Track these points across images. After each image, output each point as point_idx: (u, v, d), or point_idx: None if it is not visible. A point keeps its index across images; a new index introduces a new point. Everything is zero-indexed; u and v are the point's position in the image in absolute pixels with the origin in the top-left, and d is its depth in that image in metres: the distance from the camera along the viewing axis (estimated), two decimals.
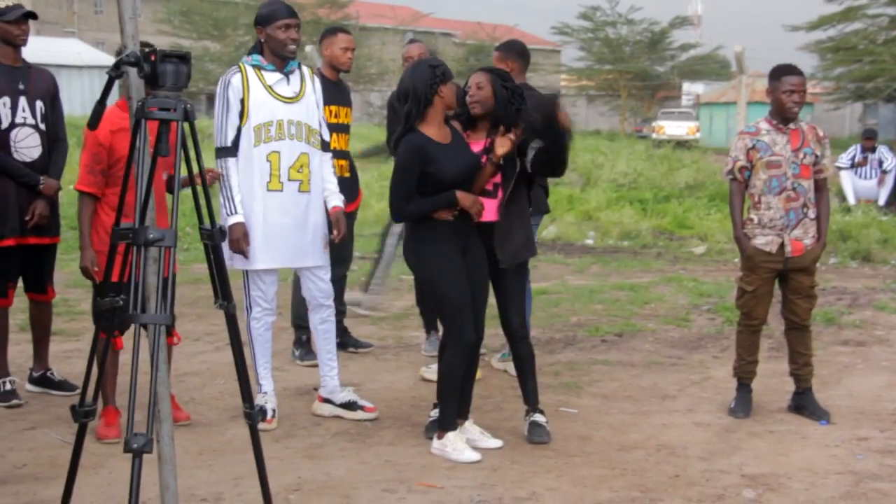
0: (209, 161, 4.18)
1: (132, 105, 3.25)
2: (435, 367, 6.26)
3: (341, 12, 42.03)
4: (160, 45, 3.28)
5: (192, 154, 3.24)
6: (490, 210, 4.93)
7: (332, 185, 5.42)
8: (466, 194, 4.81)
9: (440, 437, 4.88)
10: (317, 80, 5.44)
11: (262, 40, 5.21)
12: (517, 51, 6.27)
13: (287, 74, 5.24)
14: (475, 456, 4.79)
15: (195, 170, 3.25)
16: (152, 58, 3.09)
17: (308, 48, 13.06)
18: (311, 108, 5.32)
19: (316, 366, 6.48)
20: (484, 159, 4.89)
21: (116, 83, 3.39)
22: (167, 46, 3.32)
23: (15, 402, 5.54)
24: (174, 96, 3.12)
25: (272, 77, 5.20)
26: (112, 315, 3.27)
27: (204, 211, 3.34)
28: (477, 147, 4.98)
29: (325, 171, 5.40)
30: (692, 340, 7.49)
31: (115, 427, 5.00)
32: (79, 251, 5.09)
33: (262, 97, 5.15)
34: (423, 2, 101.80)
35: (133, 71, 3.20)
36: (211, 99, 49.57)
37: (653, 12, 46.83)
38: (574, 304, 8.76)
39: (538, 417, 5.14)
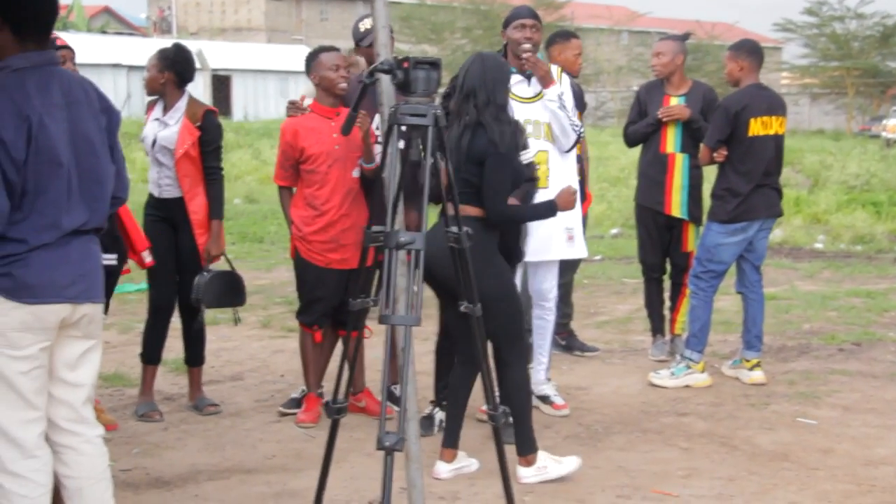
0: None
1: (384, 112, 3.35)
2: (664, 372, 6.19)
3: (557, 14, 41.94)
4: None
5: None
6: None
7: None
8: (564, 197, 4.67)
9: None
10: (566, 79, 5.45)
11: (505, 42, 5.31)
12: (747, 49, 6.15)
13: (529, 76, 5.27)
14: None
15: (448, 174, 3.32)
16: (405, 65, 3.18)
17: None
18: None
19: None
20: None
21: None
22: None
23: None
24: (426, 102, 3.19)
25: (512, 79, 5.23)
26: (363, 315, 3.39)
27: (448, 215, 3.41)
28: None
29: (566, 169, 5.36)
30: None
31: (314, 413, 5.22)
32: None
33: None
34: (640, 1, 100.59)
35: (386, 78, 3.29)
36: None
37: (885, 5, 44.42)
38: (806, 310, 8.41)
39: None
